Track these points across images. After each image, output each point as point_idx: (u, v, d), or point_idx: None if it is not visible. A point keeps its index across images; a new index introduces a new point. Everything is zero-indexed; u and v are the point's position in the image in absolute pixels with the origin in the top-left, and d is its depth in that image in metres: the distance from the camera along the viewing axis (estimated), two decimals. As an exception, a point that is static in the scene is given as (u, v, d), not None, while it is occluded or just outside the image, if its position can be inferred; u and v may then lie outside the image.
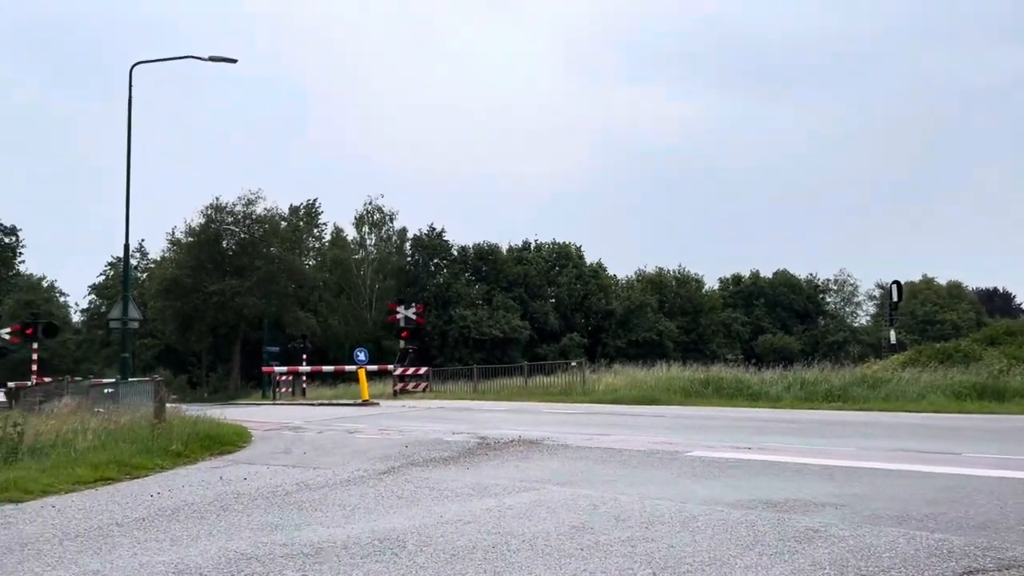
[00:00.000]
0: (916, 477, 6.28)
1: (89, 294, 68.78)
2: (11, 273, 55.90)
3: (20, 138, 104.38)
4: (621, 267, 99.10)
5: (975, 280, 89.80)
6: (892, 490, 5.70)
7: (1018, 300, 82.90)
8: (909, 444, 8.66)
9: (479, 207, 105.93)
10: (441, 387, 29.65)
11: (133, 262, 62.83)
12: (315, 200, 63.67)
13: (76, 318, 71.79)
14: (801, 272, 79.08)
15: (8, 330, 34.79)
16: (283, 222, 57.02)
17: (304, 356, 39.76)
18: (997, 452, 7.75)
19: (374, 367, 30.29)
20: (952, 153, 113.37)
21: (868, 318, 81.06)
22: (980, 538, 4.19)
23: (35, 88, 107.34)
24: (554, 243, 66.86)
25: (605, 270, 67.17)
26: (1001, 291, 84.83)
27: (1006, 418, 12.33)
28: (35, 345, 29.02)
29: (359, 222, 61.44)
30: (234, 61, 22.93)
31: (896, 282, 26.93)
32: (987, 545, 4.04)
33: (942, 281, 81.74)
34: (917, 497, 5.40)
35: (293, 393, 34.30)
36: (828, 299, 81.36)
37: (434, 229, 62.39)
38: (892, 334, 26.69)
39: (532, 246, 66.25)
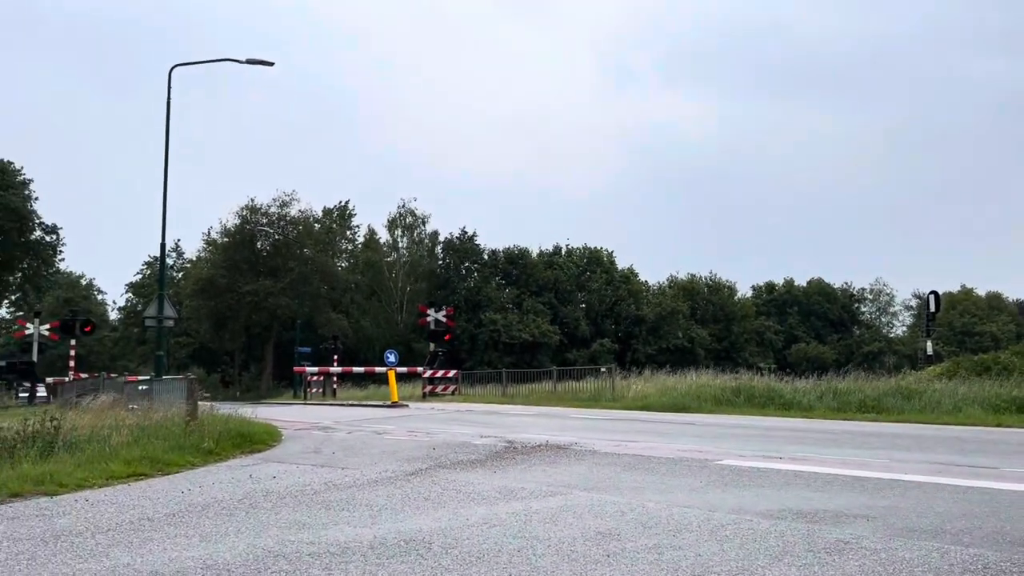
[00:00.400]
0: (951, 491, 6.15)
1: (126, 292, 70.13)
2: (51, 271, 57.01)
3: (63, 137, 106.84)
4: (652, 273, 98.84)
5: (1016, 291, 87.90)
6: (926, 503, 5.59)
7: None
8: (944, 457, 8.49)
9: (511, 211, 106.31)
10: (470, 390, 29.71)
11: (169, 262, 63.92)
12: (348, 202, 64.33)
13: (113, 316, 73.23)
14: (836, 281, 78.24)
15: (48, 327, 35.57)
16: (316, 224, 57.61)
17: (335, 357, 40.10)
18: (1036, 467, 7.57)
19: (404, 369, 30.46)
20: (992, 161, 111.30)
21: (904, 328, 79.83)
22: (1017, 554, 4.09)
23: (79, 87, 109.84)
24: (585, 248, 66.78)
25: (636, 276, 66.98)
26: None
27: (1046, 433, 12.04)
28: (73, 342, 29.60)
29: (392, 225, 61.95)
30: (271, 64, 23.22)
31: (934, 292, 26.47)
32: (1023, 561, 3.95)
33: (981, 292, 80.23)
34: (952, 511, 5.29)
35: (324, 393, 34.61)
36: (863, 309, 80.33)
37: (465, 233, 62.70)
38: (929, 345, 26.23)
39: (563, 251, 66.19)
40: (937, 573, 3.76)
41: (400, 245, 62.04)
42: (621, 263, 66.92)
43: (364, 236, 64.00)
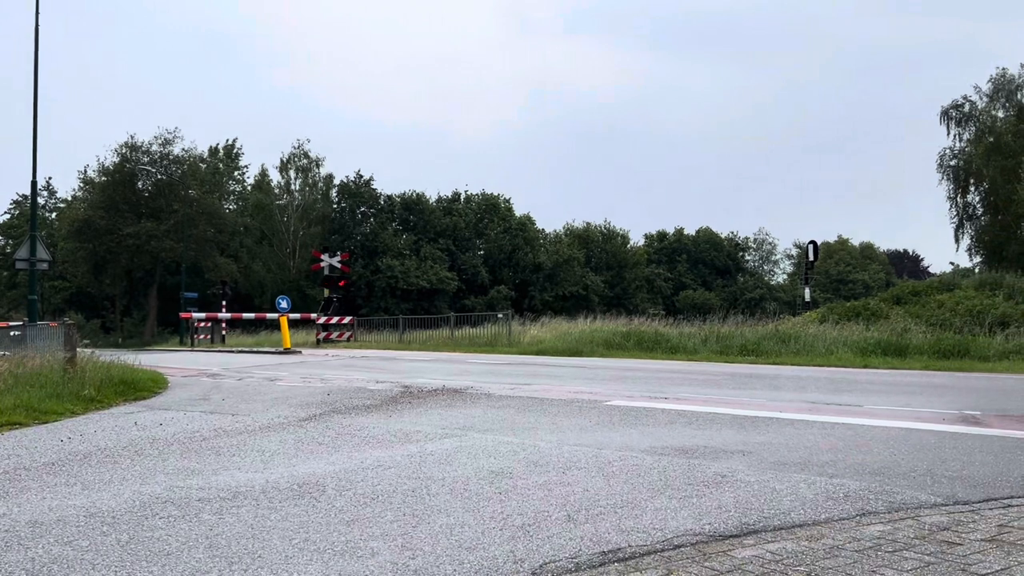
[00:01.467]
0: (820, 427, 6.60)
1: (-7, 233, 65.42)
2: (-93, 209, 52.67)
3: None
4: (549, 221, 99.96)
5: (887, 243, 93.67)
6: (797, 439, 5.99)
7: (925, 262, 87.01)
8: (815, 396, 9.07)
9: (408, 156, 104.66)
10: (366, 337, 29.50)
11: (41, 201, 60.02)
12: (235, 140, 61.84)
13: (-21, 258, 68.29)
14: (723, 230, 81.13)
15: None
16: (202, 164, 55.14)
17: (224, 303, 38.90)
18: (896, 404, 8.20)
19: (297, 316, 29.90)
20: (871, 118, 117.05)
21: (785, 276, 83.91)
22: (874, 483, 4.46)
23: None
24: (483, 194, 66.64)
25: (534, 223, 67.50)
26: (910, 253, 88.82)
27: (906, 373, 13.02)
28: (-66, 285, 27.53)
29: (284, 166, 59.93)
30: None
31: (812, 242, 27.85)
32: (879, 489, 4.30)
33: (856, 243, 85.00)
34: (820, 445, 5.69)
35: (212, 340, 33.62)
36: (748, 257, 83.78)
37: (361, 176, 61.44)
38: (807, 292, 27.71)
39: (462, 198, 65.88)
40: (803, 501, 4.05)
41: (293, 188, 60.21)
42: (518, 210, 67.31)
43: (255, 178, 61.84)
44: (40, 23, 20.57)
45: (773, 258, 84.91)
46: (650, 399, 8.66)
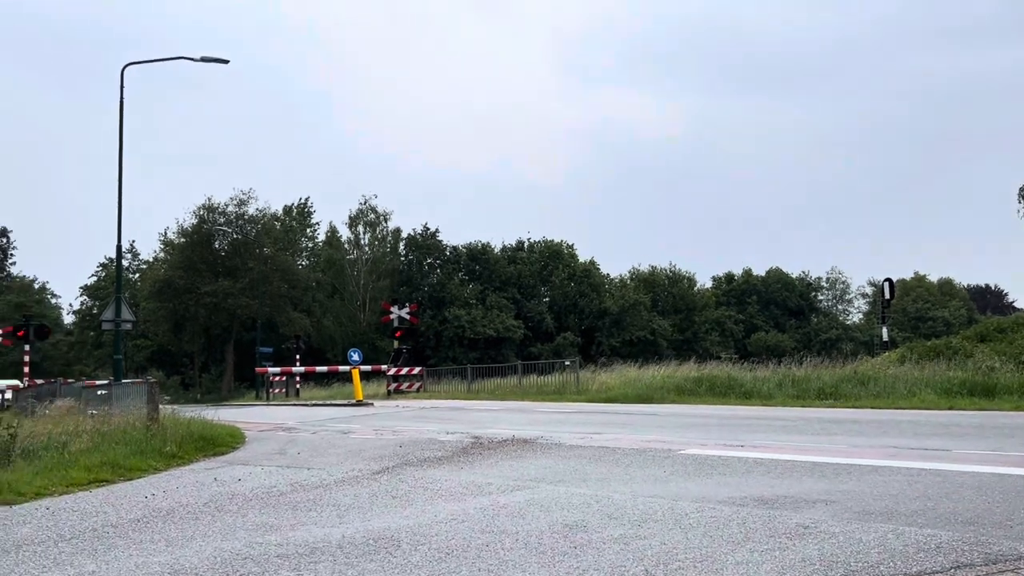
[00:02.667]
0: (906, 474, 6.34)
1: (81, 295, 68.54)
2: (2, 275, 55.66)
3: (12, 138, 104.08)
4: (614, 266, 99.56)
5: (966, 277, 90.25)
6: (882, 487, 5.76)
7: (1010, 297, 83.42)
8: (899, 441, 8.72)
9: (472, 208, 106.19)
10: (435, 387, 29.65)
11: (125, 263, 62.72)
12: (307, 199, 63.72)
13: (68, 320, 71.57)
14: (793, 270, 79.49)
15: (0, 332, 34.69)
16: (276, 222, 56.96)
17: (297, 356, 39.74)
18: (986, 448, 7.82)
19: (368, 367, 30.28)
20: (946, 152, 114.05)
21: (860, 316, 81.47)
22: (968, 533, 4.24)
23: (29, 89, 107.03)
24: (546, 241, 66.94)
25: (598, 269, 67.35)
26: (993, 288, 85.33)
27: (996, 415, 12.41)
28: (27, 347, 28.90)
29: (353, 222, 61.44)
30: (226, 62, 22.89)
31: (888, 280, 27.08)
32: (975, 540, 4.09)
33: (934, 279, 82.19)
34: (907, 493, 5.46)
35: (287, 394, 34.27)
36: (820, 297, 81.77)
37: (428, 229, 62.52)
38: (884, 331, 26.86)
39: (525, 245, 66.33)
40: (892, 553, 3.88)
41: (362, 242, 61.57)
42: (582, 256, 67.33)
43: (325, 234, 63.51)
44: (124, 96, 21.74)
45: (847, 297, 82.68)
46: (726, 447, 8.46)
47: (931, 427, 10.33)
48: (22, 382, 28.17)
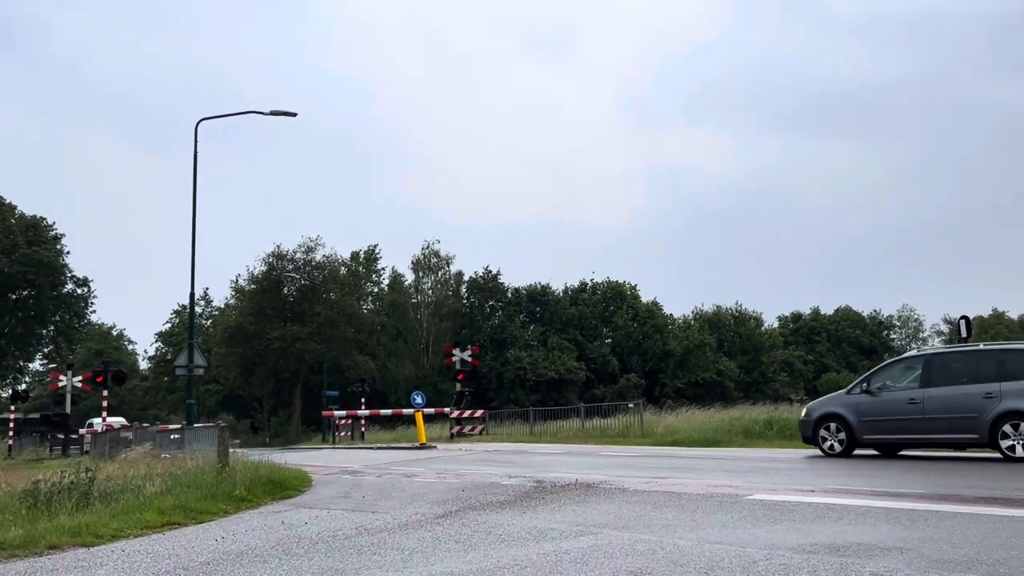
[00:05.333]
0: (987, 520, 6.07)
1: (156, 341, 70.99)
2: (83, 323, 58.03)
3: (91, 191, 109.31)
4: (677, 306, 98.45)
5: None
6: (961, 534, 5.52)
7: (1096, 333, 79.32)
8: (979, 484, 8.35)
9: (534, 250, 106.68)
10: (497, 430, 29.60)
11: (198, 310, 64.70)
12: (376, 246, 65.10)
13: (143, 365, 74.08)
14: (864, 309, 77.38)
15: (80, 378, 36.11)
16: (342, 268, 58.24)
17: (363, 399, 40.20)
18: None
19: (431, 410, 30.41)
20: (1016, 185, 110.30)
21: (936, 354, 78.53)
22: (1055, 585, 4.04)
23: (106, 142, 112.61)
24: (608, 282, 66.69)
25: (661, 309, 66.67)
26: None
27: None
28: (105, 392, 29.96)
29: (416, 266, 62.50)
30: (294, 115, 23.75)
31: (964, 317, 26.09)
32: (1062, 592, 3.90)
33: (1013, 315, 78.94)
34: (988, 541, 5.22)
35: (352, 436, 34.64)
36: (892, 336, 79.30)
37: (489, 272, 63.06)
38: (962, 371, 25.77)
39: (588, 287, 66.18)
40: (973, 605, 3.72)
41: (425, 286, 62.50)
42: (645, 297, 66.79)
43: (389, 278, 64.64)
44: (198, 149, 22.72)
45: (921, 335, 80.00)
46: (795, 492, 8.22)
47: (1012, 471, 9.86)
48: (101, 427, 29.16)
